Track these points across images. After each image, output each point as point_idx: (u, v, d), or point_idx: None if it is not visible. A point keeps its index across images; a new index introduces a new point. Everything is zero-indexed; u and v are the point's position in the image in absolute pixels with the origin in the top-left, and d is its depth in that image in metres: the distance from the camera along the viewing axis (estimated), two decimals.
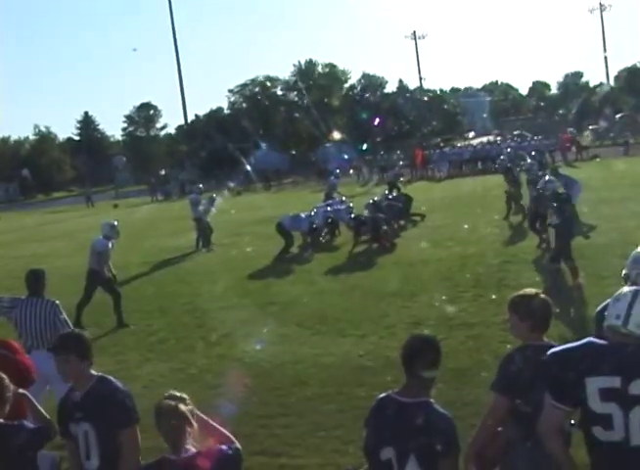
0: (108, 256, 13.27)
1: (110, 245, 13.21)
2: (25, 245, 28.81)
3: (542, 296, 4.40)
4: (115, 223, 13.67)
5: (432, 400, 3.98)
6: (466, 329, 10.13)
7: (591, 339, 3.66)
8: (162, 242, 24.09)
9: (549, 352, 3.75)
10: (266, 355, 9.83)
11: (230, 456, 3.79)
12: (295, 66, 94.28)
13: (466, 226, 19.51)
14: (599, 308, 4.71)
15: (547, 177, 12.86)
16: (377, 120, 74.23)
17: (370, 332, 10.50)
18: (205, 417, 3.99)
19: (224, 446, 3.82)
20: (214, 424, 3.98)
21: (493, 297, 11.26)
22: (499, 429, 4.24)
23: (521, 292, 4.44)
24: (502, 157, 29.08)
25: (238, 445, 3.91)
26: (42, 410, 4.54)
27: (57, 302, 7.22)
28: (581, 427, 3.67)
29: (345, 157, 53.91)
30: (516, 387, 4.13)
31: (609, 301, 4.66)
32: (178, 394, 3.93)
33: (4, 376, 4.28)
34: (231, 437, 3.96)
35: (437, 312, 11.03)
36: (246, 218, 28.40)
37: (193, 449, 3.71)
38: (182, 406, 3.79)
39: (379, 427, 3.97)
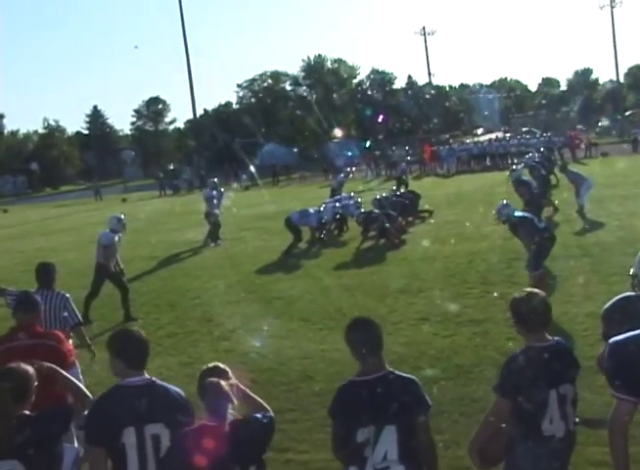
0: (114, 249, 13.27)
1: (116, 238, 13.21)
2: (33, 238, 28.86)
3: (530, 295, 4.31)
4: (122, 217, 13.65)
5: (391, 369, 4.12)
6: (473, 326, 10.12)
7: None
8: (170, 236, 24.10)
9: (610, 342, 3.69)
10: (273, 350, 9.84)
11: (264, 424, 3.98)
12: (304, 61, 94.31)
13: (473, 223, 19.47)
14: (606, 306, 4.70)
15: (503, 201, 12.18)
16: (380, 118, 74.22)
17: None
18: (242, 386, 4.08)
19: (259, 415, 4.00)
20: (251, 393, 4.11)
21: (500, 293, 11.20)
22: (503, 425, 4.22)
23: (515, 293, 4.39)
24: (530, 154, 28.71)
25: (271, 413, 4.08)
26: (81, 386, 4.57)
27: (67, 294, 7.24)
28: None
29: (349, 154, 53.70)
30: (517, 388, 4.12)
31: (616, 298, 4.67)
32: (222, 366, 4.06)
33: (28, 368, 4.07)
34: (265, 405, 4.11)
35: (444, 309, 11.00)
36: (253, 213, 28.40)
37: (231, 417, 3.85)
38: (224, 384, 3.88)
39: (352, 412, 4.05)
